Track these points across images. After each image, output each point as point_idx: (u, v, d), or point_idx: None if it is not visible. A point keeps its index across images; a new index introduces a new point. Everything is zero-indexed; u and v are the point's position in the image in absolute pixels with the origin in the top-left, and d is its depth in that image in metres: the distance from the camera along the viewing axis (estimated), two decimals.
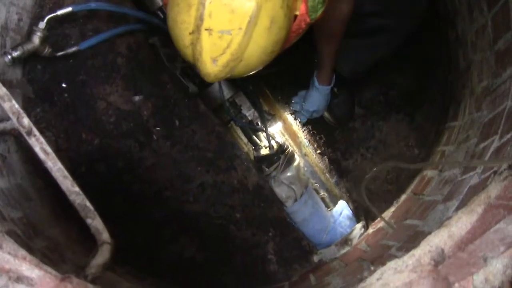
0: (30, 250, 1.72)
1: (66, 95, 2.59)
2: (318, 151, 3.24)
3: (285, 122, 3.40)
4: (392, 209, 2.72)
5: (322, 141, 3.18)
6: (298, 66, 3.20)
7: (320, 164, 3.26)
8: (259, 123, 3.18)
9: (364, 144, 3.09)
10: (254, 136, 3.24)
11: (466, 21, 2.37)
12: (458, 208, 1.74)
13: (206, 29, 1.59)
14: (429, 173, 2.52)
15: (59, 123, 2.58)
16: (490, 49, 2.07)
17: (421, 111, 3.08)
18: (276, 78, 3.20)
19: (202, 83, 2.97)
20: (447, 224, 1.12)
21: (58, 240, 2.20)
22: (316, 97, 2.79)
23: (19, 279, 1.07)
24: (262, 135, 3.24)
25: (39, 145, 1.60)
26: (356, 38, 2.58)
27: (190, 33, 1.64)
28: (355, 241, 2.75)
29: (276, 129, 3.33)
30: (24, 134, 1.59)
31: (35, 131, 1.60)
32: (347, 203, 3.14)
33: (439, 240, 1.08)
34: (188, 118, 2.76)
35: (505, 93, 1.84)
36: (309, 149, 3.30)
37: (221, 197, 2.81)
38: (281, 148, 3.12)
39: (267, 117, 3.20)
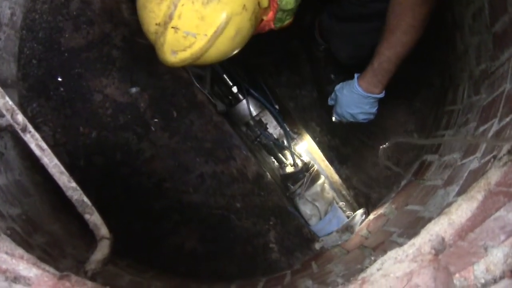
0: (30, 246, 1.73)
1: (62, 89, 2.58)
2: (317, 139, 3.23)
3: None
4: (392, 194, 2.72)
5: (320, 128, 3.17)
6: (293, 51, 3.19)
7: (319, 152, 3.26)
8: (285, 141, 3.22)
9: (363, 130, 3.08)
10: (279, 154, 3.28)
11: (463, 3, 2.35)
12: (458, 193, 1.73)
13: (172, 27, 1.63)
14: (429, 157, 2.51)
15: (55, 117, 2.58)
16: (487, 32, 2.05)
17: (419, 96, 3.07)
18: (272, 65, 3.18)
19: (230, 102, 3.07)
20: (447, 212, 1.11)
21: (58, 235, 2.20)
22: (351, 101, 2.45)
23: (16, 279, 1.06)
24: (288, 153, 3.26)
25: (35, 141, 1.59)
26: (355, 23, 2.52)
27: (156, 24, 1.67)
28: (356, 228, 2.75)
29: (301, 148, 3.35)
30: (19, 131, 1.58)
31: (30, 127, 1.59)
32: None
33: (439, 228, 1.07)
34: (186, 108, 2.75)
35: (504, 76, 1.83)
36: (307, 135, 3.29)
37: (221, 187, 2.80)
38: (306, 166, 3.15)
39: (292, 136, 3.23)
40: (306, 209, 2.98)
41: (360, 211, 2.87)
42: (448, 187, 1.88)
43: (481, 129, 1.87)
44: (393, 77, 2.28)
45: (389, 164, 2.43)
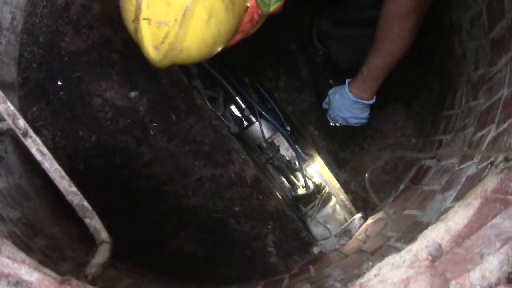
0: (30, 250, 1.73)
1: (62, 92, 2.59)
2: (316, 143, 3.24)
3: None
4: (390, 199, 2.72)
5: (319, 132, 3.18)
6: (292, 56, 3.19)
7: (329, 172, 3.27)
8: (297, 163, 3.24)
9: (361, 134, 3.08)
10: (291, 176, 3.30)
11: (460, 8, 2.36)
12: (456, 198, 1.74)
13: (144, 19, 1.61)
14: (427, 162, 2.52)
15: (55, 121, 2.59)
16: (485, 37, 2.06)
17: (417, 100, 3.08)
18: (271, 69, 3.19)
19: (243, 124, 3.11)
20: (444, 218, 1.12)
21: (58, 239, 2.20)
22: (343, 105, 2.49)
23: (18, 283, 1.07)
24: (300, 175, 3.27)
25: (36, 146, 1.60)
26: (352, 28, 2.53)
27: (132, 21, 1.67)
28: (354, 232, 2.75)
29: (313, 169, 3.37)
30: (20, 136, 1.59)
31: (31, 132, 1.60)
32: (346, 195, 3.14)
33: (436, 234, 1.08)
34: (185, 112, 2.76)
35: (501, 82, 1.84)
36: (319, 157, 3.30)
37: (220, 190, 2.81)
38: (318, 188, 3.19)
39: (304, 157, 3.25)
40: (317, 231, 3.00)
41: (358, 215, 2.88)
42: (446, 192, 1.89)
43: (479, 134, 1.88)
44: (391, 81, 2.29)
45: (373, 195, 2.46)
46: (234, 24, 1.78)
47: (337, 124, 2.64)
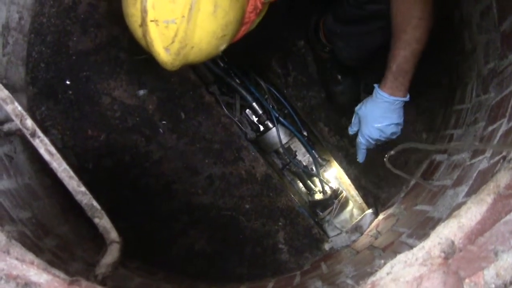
0: (40, 250, 1.73)
1: (70, 92, 2.60)
2: (326, 139, 3.22)
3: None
4: (401, 194, 2.71)
5: (329, 128, 3.16)
6: (300, 52, 3.18)
7: (335, 163, 3.26)
8: (314, 169, 3.24)
9: None
10: (308, 181, 3.30)
11: (470, 2, 2.34)
12: (467, 194, 1.73)
13: (151, 21, 1.61)
14: (437, 157, 2.50)
15: (64, 120, 2.59)
16: (495, 31, 2.04)
17: (427, 95, 3.05)
18: (280, 66, 3.17)
19: (259, 130, 3.09)
20: (457, 215, 1.11)
21: (68, 238, 2.20)
22: (378, 112, 2.35)
23: (27, 285, 1.06)
24: (317, 180, 3.27)
25: (44, 146, 1.59)
26: (354, 25, 2.51)
27: (139, 26, 1.66)
28: (365, 228, 2.74)
29: (330, 174, 3.37)
30: (28, 136, 1.59)
31: (39, 132, 1.60)
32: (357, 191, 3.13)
33: (449, 231, 1.07)
34: (194, 110, 2.76)
35: None
36: (336, 162, 3.28)
37: (230, 188, 2.81)
38: (335, 193, 3.18)
39: (321, 163, 3.24)
40: (334, 235, 2.99)
41: (369, 211, 2.87)
42: (457, 187, 1.87)
43: (490, 128, 1.86)
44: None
45: (399, 172, 2.41)
46: (239, 14, 1.78)
47: (371, 145, 2.52)
